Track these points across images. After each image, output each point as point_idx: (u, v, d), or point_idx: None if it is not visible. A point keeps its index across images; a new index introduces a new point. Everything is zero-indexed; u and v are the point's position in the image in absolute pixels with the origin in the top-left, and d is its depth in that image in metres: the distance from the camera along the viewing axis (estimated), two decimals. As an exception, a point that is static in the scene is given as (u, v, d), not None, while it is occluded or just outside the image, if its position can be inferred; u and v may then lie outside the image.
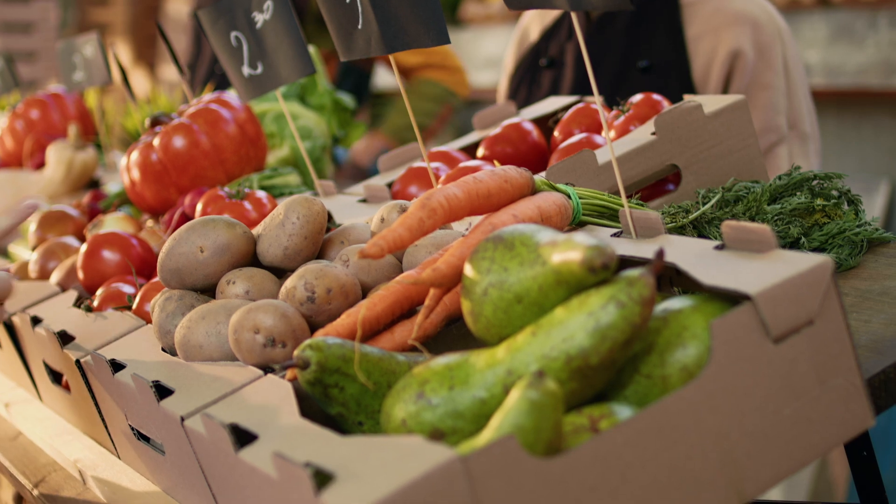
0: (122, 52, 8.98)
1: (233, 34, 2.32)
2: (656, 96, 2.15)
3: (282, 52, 2.25)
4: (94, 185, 3.33)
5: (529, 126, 2.29)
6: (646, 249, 1.54)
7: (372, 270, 1.70)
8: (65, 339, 1.98)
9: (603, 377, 1.32)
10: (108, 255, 2.24)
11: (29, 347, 2.21)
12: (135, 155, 2.51)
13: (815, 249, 1.84)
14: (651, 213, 1.57)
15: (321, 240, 1.79)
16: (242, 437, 1.42)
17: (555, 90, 2.97)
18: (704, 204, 1.89)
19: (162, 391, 1.63)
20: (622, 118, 2.13)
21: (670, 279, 1.64)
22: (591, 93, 2.59)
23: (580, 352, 1.30)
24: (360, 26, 1.91)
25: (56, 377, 2.13)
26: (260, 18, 2.28)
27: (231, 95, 2.61)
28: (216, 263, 1.76)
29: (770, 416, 1.33)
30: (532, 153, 2.26)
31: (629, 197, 1.89)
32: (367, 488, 1.18)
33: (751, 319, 1.31)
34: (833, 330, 1.35)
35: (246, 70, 2.33)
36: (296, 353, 1.45)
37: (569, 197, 1.70)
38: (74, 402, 2.04)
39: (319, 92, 3.01)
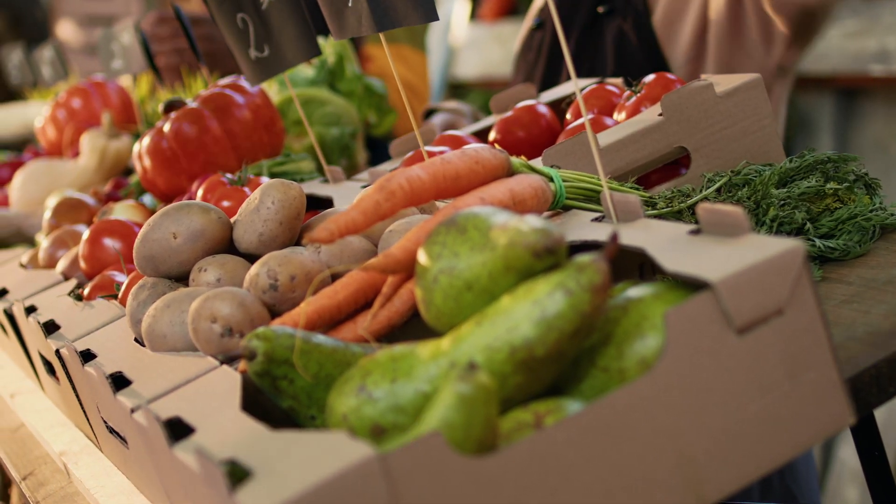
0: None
1: (239, 16, 2.25)
2: (671, 76, 2.05)
3: (287, 34, 2.18)
4: (129, 173, 3.29)
5: (543, 109, 2.20)
6: (623, 234, 1.44)
7: (344, 257, 1.62)
8: (51, 328, 1.93)
9: (551, 370, 1.23)
10: (110, 243, 2.19)
11: (27, 338, 2.17)
12: (146, 141, 2.46)
13: (823, 236, 1.72)
14: (630, 197, 1.47)
15: (299, 226, 1.71)
16: (182, 431, 1.35)
17: (539, 52, 2.88)
18: (709, 188, 1.79)
19: (122, 382, 1.57)
20: (633, 98, 2.03)
21: (651, 267, 1.54)
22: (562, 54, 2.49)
23: (525, 343, 1.21)
24: (350, 4, 1.84)
25: (50, 368, 2.08)
26: (266, -1, 2.21)
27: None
28: (190, 250, 1.70)
29: (733, 413, 1.23)
30: (545, 136, 2.17)
31: (625, 181, 1.80)
32: (279, 487, 1.11)
33: (710, 309, 1.21)
34: (805, 320, 1.25)
35: (253, 53, 2.26)
36: (242, 342, 1.38)
37: (551, 180, 1.61)
38: (63, 394, 1.99)
39: (348, 77, 2.94)
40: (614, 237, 1.23)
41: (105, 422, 1.71)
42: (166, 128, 2.43)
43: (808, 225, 1.72)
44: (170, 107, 2.49)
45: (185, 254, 1.70)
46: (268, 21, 2.21)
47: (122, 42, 3.29)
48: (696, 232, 1.36)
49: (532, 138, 2.16)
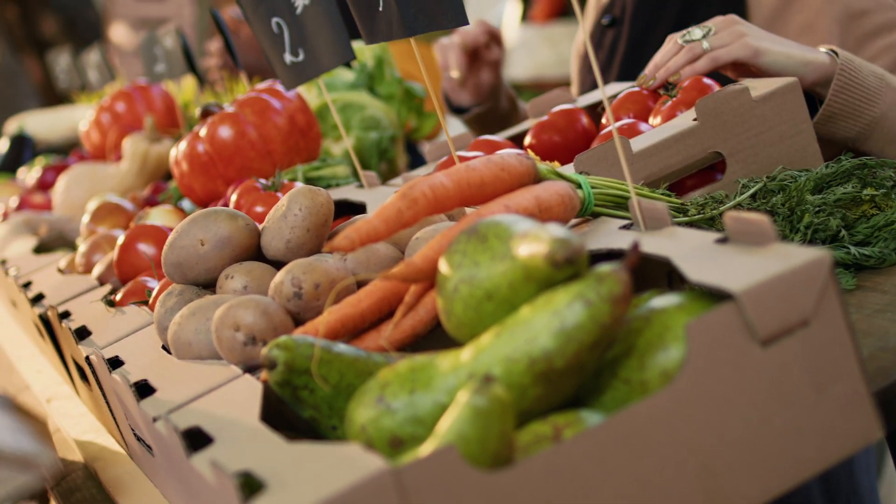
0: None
1: (274, 20, 2.25)
2: (707, 80, 2.02)
3: (322, 38, 2.17)
4: (170, 177, 3.29)
5: (580, 113, 2.18)
6: (648, 242, 1.42)
7: (371, 265, 1.60)
8: (82, 334, 1.93)
9: (571, 382, 1.21)
10: (144, 248, 2.19)
11: (62, 343, 2.17)
12: (183, 146, 2.46)
13: (858, 243, 1.69)
14: (658, 204, 1.45)
15: (326, 233, 1.70)
16: (202, 440, 1.34)
17: (613, 51, 2.80)
18: (743, 194, 1.76)
19: (146, 391, 1.56)
20: (669, 103, 2.00)
21: (680, 275, 1.51)
22: (647, 53, 2.43)
23: (544, 354, 1.19)
24: (380, 8, 1.83)
25: (83, 373, 2.08)
26: (300, 3, 2.20)
27: (285, 84, 2.54)
28: (217, 257, 1.69)
29: (756, 427, 1.20)
30: (581, 141, 2.15)
31: (659, 186, 1.78)
32: (290, 500, 1.09)
33: (733, 320, 1.19)
34: (832, 332, 1.22)
35: (288, 57, 2.25)
36: (263, 351, 1.36)
37: (580, 186, 1.58)
38: (95, 399, 1.99)
39: (388, 81, 2.93)
40: (635, 246, 1.21)
41: (132, 429, 1.70)
42: (202, 133, 2.43)
43: (843, 232, 1.68)
44: (206, 111, 2.49)
45: (213, 260, 1.69)
46: (302, 25, 2.20)
47: (164, 45, 3.30)
48: (722, 240, 1.33)
49: (568, 143, 2.14)
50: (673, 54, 2.09)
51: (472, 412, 1.13)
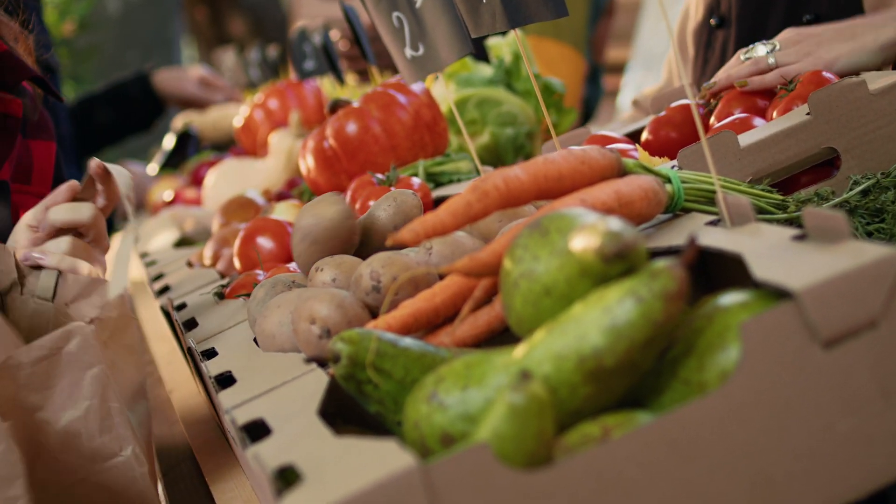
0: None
1: (394, 14, 2.24)
2: (826, 73, 1.94)
3: (440, 32, 2.16)
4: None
5: (699, 109, 2.12)
6: (726, 238, 1.36)
7: (457, 258, 1.58)
8: (190, 326, 1.95)
9: (623, 381, 1.17)
10: (263, 242, 2.20)
11: (179, 333, 2.20)
12: (310, 142, 2.47)
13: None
14: (742, 199, 1.39)
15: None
16: (262, 433, 1.34)
17: (724, 52, 2.71)
18: (853, 190, 1.69)
19: (227, 382, 1.57)
20: (785, 96, 1.93)
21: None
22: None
23: (594, 352, 1.15)
24: (484, 1, 1.81)
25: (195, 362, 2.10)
26: (419, -2, 2.19)
27: (414, 79, 2.53)
28: (306, 252, 1.69)
29: (818, 433, 1.14)
30: (698, 137, 2.09)
31: (767, 182, 1.71)
32: (320, 494, 1.08)
33: (793, 319, 1.13)
34: (902, 334, 1.15)
35: (408, 52, 2.24)
36: (329, 345, 1.35)
37: (669, 181, 1.54)
38: (202, 391, 2.01)
39: (524, 76, 2.90)
40: (692, 242, 1.16)
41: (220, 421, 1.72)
42: (328, 128, 2.44)
43: (955, 232, 1.60)
44: (335, 106, 2.50)
45: (304, 254, 1.69)
46: (422, 19, 2.19)
47: (313, 43, 3.33)
48: (800, 237, 1.27)
49: (684, 139, 2.08)
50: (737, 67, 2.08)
51: (508, 410, 1.10)
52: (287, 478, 1.16)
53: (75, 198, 1.87)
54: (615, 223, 1.19)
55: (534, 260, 1.25)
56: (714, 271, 1.53)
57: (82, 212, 1.83)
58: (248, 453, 1.26)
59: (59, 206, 1.83)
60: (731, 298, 1.23)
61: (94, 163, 1.86)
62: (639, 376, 1.18)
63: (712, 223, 1.46)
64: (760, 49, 2.07)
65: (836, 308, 1.13)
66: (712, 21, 2.72)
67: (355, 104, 2.45)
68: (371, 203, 2.10)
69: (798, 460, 1.14)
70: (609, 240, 1.16)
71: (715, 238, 1.37)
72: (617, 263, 1.17)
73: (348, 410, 1.44)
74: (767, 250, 1.26)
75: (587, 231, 1.20)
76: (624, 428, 1.14)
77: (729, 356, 1.17)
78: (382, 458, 1.10)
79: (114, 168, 1.83)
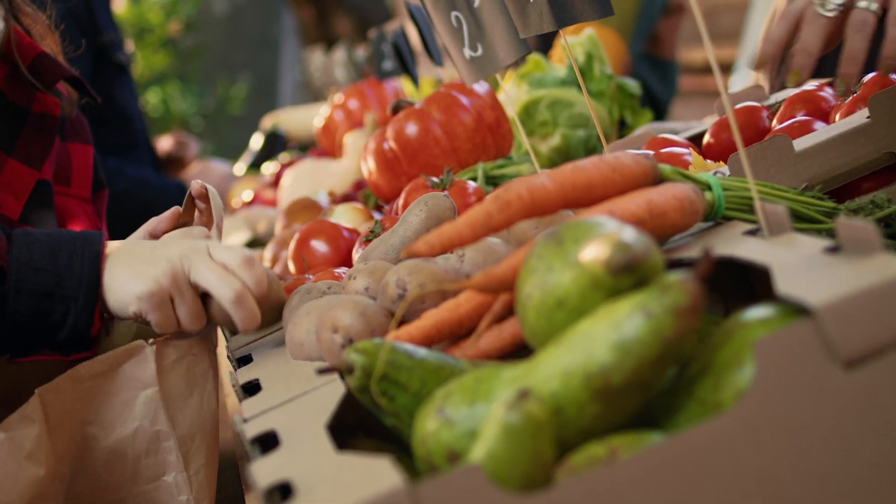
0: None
1: (453, 14, 2.20)
2: (895, 75, 1.86)
3: (498, 32, 2.11)
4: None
5: (762, 111, 2.04)
6: (757, 249, 1.30)
7: (488, 266, 1.53)
8: (234, 331, 1.93)
9: (632, 400, 1.11)
10: (318, 245, 2.17)
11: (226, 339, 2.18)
12: (371, 143, 2.44)
13: None
14: (778, 208, 1.32)
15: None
16: (270, 445, 1.31)
17: None
18: (910, 199, 1.61)
19: (254, 391, 1.54)
20: (849, 99, 1.85)
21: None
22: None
23: (601, 369, 1.09)
24: (531, 0, 1.77)
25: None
26: (477, -3, 2.14)
27: (476, 80, 2.49)
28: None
29: (839, 457, 1.08)
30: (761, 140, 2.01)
31: (823, 189, 1.64)
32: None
33: (811, 337, 1.07)
34: (932, 354, 1.08)
35: (467, 52, 2.20)
36: (342, 355, 1.31)
37: (710, 188, 1.47)
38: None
39: (598, 77, 2.83)
40: (706, 254, 1.10)
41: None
42: (389, 130, 2.40)
43: None
44: (397, 108, 2.46)
45: None
46: (480, 19, 2.15)
47: (391, 43, 3.29)
48: (832, 249, 1.21)
49: (748, 142, 2.00)
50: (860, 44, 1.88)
51: (503, 429, 1.05)
52: (280, 492, 1.12)
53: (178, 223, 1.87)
54: (628, 233, 1.14)
55: (548, 271, 1.20)
56: (755, 282, 1.47)
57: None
58: (256, 465, 1.23)
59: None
60: (753, 314, 1.16)
61: (196, 184, 1.85)
62: (649, 395, 1.12)
63: (751, 232, 1.40)
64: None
65: (859, 326, 1.07)
66: None
67: (417, 106, 2.41)
68: (422, 207, 2.06)
69: (816, 486, 1.07)
70: (617, 251, 1.11)
71: (747, 249, 1.31)
72: (626, 276, 1.11)
73: (371, 422, 1.40)
74: (796, 263, 1.20)
75: (598, 242, 1.15)
76: (631, 449, 1.08)
77: (744, 375, 1.11)
78: (373, 476, 1.06)
79: (212, 192, 1.82)
